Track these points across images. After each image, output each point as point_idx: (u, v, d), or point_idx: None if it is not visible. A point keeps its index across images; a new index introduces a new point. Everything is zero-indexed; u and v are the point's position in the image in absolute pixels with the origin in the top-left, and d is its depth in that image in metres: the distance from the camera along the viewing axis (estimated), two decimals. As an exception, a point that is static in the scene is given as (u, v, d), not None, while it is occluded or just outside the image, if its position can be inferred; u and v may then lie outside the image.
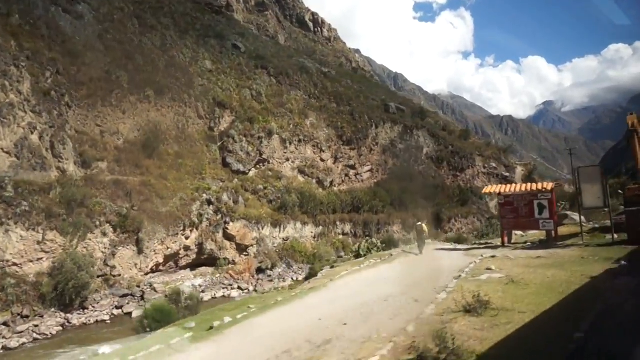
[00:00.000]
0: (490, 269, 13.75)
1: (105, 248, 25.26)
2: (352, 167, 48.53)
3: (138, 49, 39.38)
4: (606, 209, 18.14)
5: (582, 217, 20.93)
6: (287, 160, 43.08)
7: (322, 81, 54.11)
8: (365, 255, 24.99)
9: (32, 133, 25.04)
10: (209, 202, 31.80)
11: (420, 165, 55.22)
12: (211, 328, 11.07)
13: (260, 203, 36.21)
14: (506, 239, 21.40)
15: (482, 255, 17.29)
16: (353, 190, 44.53)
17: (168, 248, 28.28)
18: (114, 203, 26.67)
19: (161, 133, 35.02)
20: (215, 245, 30.92)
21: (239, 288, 28.60)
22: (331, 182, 45.25)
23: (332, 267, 23.18)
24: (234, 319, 11.67)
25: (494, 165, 62.44)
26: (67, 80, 30.33)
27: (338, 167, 47.31)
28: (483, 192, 25.38)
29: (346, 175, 47.80)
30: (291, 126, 44.61)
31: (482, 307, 8.76)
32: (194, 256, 30.14)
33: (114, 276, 25.31)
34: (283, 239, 35.40)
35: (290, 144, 43.63)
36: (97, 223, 25.19)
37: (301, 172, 43.60)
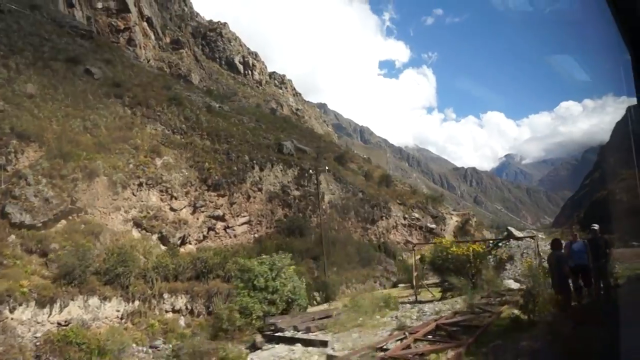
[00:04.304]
0: None
1: None
2: (221, 219, 38.27)
3: None
4: None
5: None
6: (118, 209, 32.55)
7: (197, 115, 44.93)
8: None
9: None
10: None
11: (320, 216, 45.58)
12: None
13: (33, 269, 25.21)
14: None
15: None
16: (203, 249, 33.93)
17: None
18: None
19: None
20: None
21: None
22: (183, 238, 34.66)
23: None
24: None
25: (417, 215, 53.67)
26: None
27: (198, 219, 36.94)
28: None
29: (210, 229, 37.35)
30: (131, 166, 34.53)
31: None
32: None
33: None
34: (58, 323, 24.13)
35: (125, 188, 33.29)
36: None
37: (137, 224, 32.96)
